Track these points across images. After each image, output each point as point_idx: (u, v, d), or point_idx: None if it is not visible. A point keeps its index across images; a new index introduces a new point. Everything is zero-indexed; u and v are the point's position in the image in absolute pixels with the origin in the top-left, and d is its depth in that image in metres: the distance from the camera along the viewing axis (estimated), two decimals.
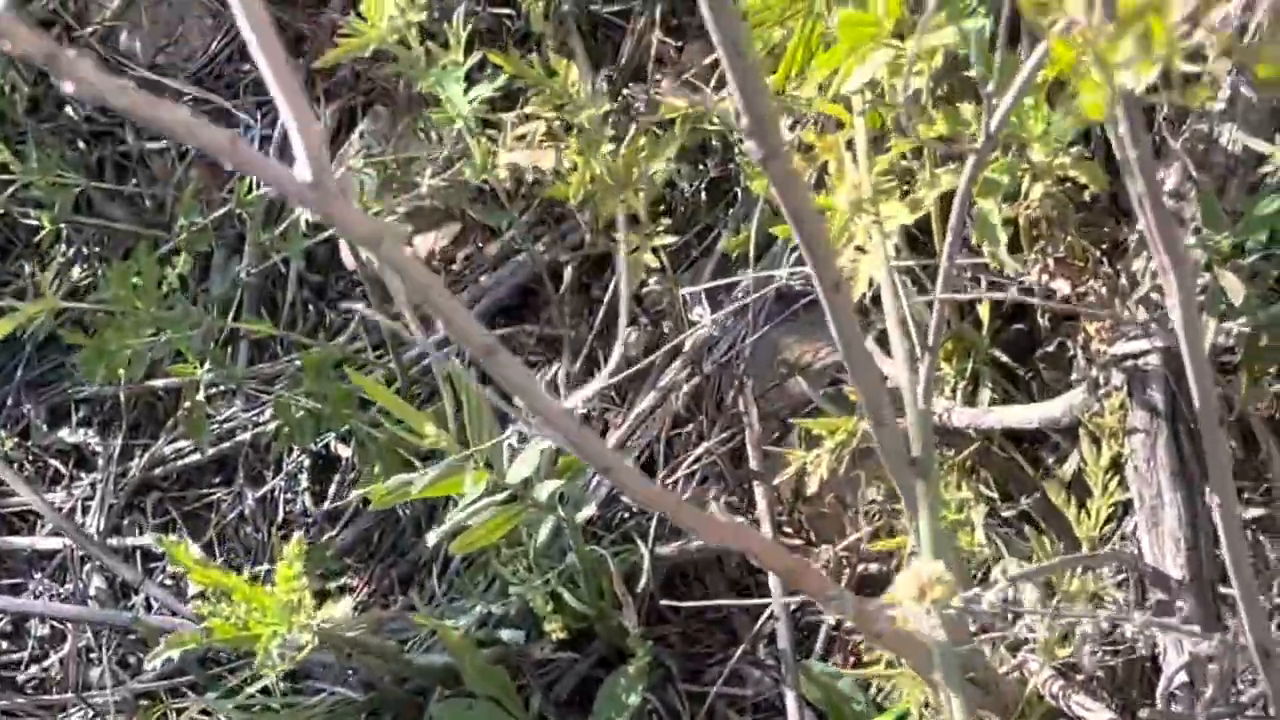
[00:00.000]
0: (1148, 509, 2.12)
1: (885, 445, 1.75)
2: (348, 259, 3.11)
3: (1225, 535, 1.56)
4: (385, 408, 2.51)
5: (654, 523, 2.65)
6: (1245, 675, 1.93)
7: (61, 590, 3.21)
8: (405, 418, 2.43)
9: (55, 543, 3.25)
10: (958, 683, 1.66)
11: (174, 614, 3.01)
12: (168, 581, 3.14)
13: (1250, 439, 2.28)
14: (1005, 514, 2.33)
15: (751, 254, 2.55)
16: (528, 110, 2.45)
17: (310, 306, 3.25)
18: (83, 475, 3.32)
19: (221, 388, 3.17)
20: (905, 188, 2.14)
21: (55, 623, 3.19)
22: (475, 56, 2.49)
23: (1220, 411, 1.40)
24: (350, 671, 2.80)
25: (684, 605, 2.56)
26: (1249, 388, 2.24)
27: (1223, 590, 2.13)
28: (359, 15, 2.40)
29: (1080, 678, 2.17)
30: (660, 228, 2.55)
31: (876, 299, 2.00)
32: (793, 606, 2.53)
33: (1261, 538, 2.22)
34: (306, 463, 3.15)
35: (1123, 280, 2.20)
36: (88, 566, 3.20)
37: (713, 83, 2.54)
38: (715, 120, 2.34)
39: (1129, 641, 2.15)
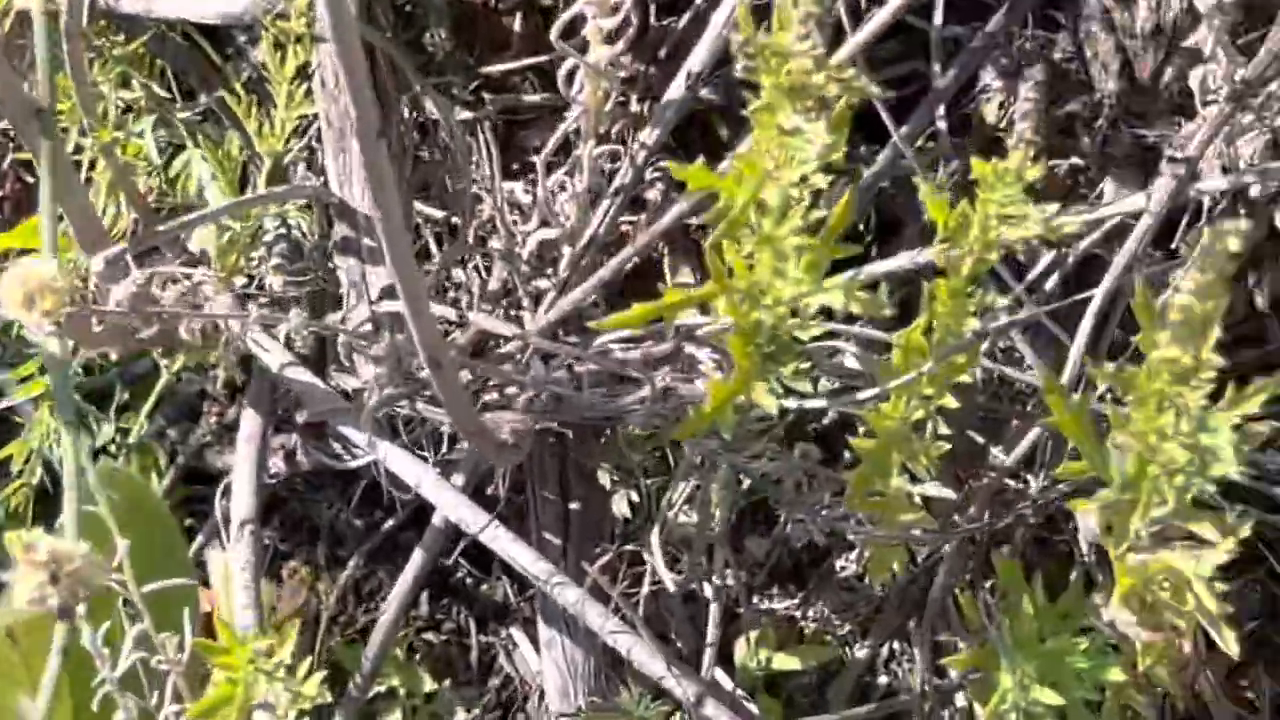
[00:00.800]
0: (335, 131, 1.87)
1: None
2: None
3: (386, 240, 1.33)
4: None
5: None
6: None
7: None
8: None
9: None
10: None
11: None
12: None
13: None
14: (185, 115, 2.01)
15: None
16: None
17: None
18: None
19: None
20: None
21: None
22: None
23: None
24: None
25: None
26: None
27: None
28: None
29: (266, 299, 1.96)
30: None
31: None
32: None
33: (485, 137, 1.99)
34: None
35: None
36: None
37: None
38: None
39: (316, 270, 1.94)
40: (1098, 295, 1.68)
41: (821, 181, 1.36)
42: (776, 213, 1.39)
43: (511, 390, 1.71)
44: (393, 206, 1.26)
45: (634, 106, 1.93)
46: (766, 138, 1.35)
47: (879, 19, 1.66)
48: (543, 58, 2.06)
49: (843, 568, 1.85)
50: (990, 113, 1.91)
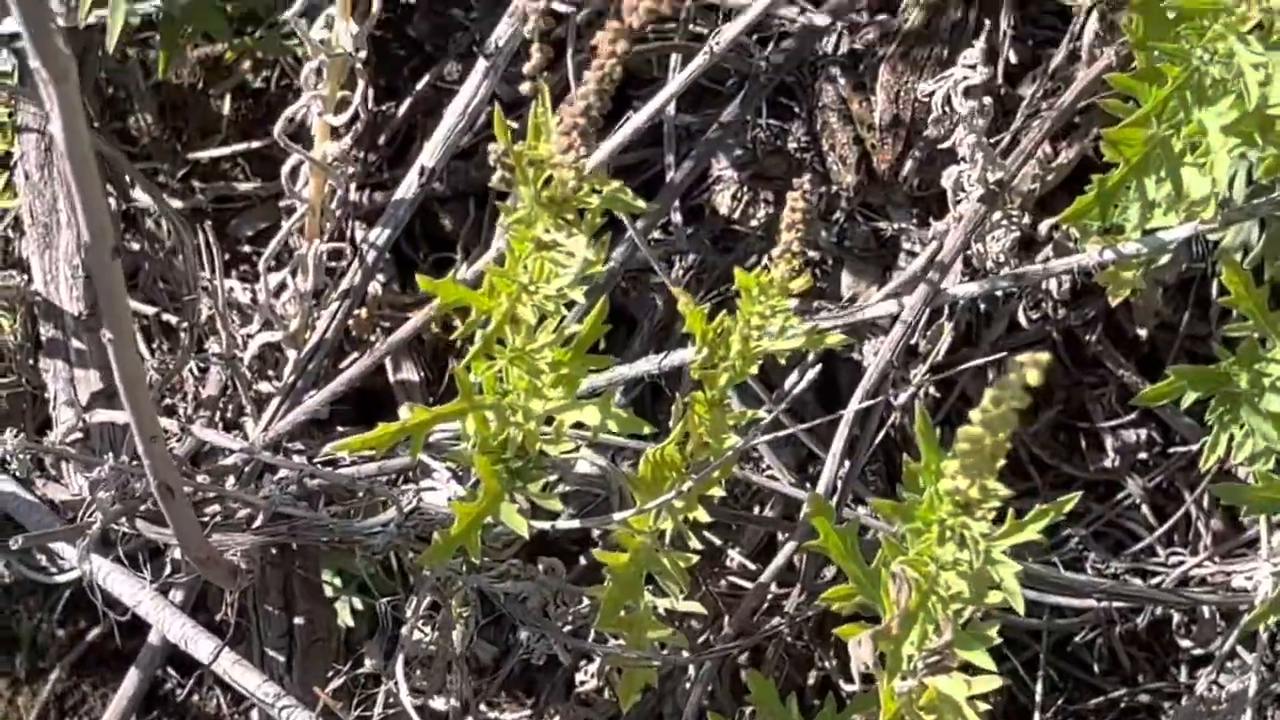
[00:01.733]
0: (40, 227, 1.75)
1: None
2: None
3: (120, 373, 1.23)
4: None
5: None
6: None
7: None
8: None
9: None
10: None
11: None
12: None
13: None
14: None
15: None
16: None
17: None
18: None
19: None
20: None
21: None
22: None
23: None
24: None
25: None
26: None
27: None
28: None
29: None
30: None
31: None
32: None
33: (206, 234, 1.88)
34: None
35: None
36: None
37: None
38: None
39: (19, 373, 1.81)
40: (849, 409, 1.64)
41: (579, 295, 1.31)
42: (530, 328, 1.33)
43: (238, 506, 1.60)
44: (125, 332, 1.16)
45: (353, 195, 1.85)
46: (522, 250, 1.28)
47: (634, 123, 1.61)
48: (255, 143, 1.97)
49: (582, 681, 1.77)
50: (723, 204, 1.87)
